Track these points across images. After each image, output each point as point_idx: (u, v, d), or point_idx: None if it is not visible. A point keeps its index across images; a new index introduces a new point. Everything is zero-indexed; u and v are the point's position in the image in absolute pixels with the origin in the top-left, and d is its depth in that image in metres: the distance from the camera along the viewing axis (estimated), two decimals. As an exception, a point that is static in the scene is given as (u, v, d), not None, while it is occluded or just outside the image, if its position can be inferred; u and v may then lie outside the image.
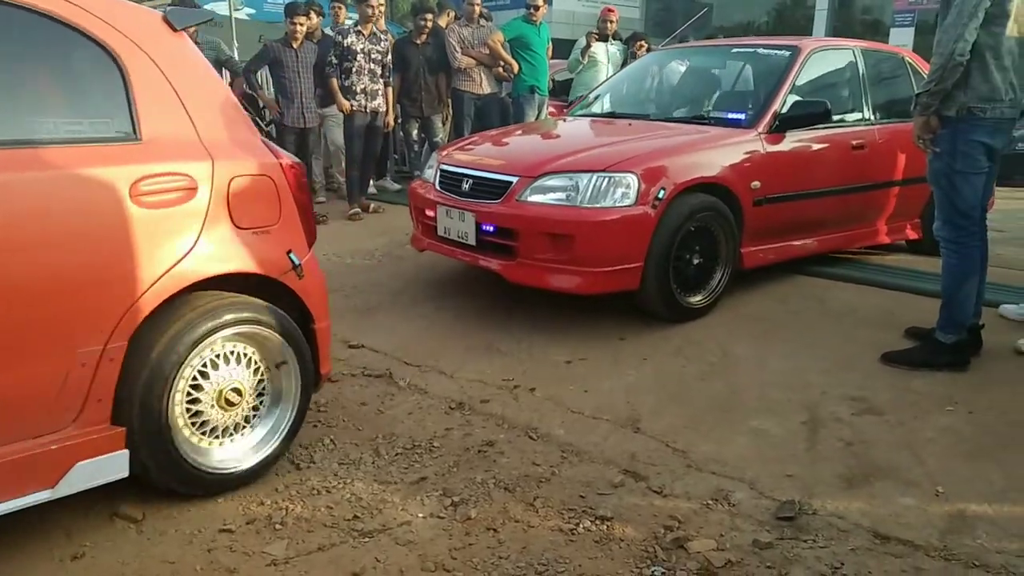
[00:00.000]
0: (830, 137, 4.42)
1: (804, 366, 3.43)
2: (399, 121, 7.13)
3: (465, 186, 4.04)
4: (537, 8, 7.03)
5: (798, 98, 4.30)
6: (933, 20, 16.85)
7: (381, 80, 6.34)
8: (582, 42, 7.57)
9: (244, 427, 2.59)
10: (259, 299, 2.53)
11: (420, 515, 2.43)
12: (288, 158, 2.66)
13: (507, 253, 3.82)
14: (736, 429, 2.93)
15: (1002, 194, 5.34)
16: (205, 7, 6.53)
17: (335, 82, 6.15)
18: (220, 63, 6.03)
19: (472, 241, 3.94)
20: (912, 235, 5.05)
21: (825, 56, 4.69)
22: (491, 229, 3.86)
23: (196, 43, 5.70)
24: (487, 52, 6.92)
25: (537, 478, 2.63)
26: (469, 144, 4.70)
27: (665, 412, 3.07)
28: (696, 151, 4.00)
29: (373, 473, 2.69)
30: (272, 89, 6.57)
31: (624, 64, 7.14)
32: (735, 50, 5.26)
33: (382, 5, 7.10)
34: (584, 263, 3.64)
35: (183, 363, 2.33)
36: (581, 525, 2.36)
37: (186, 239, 2.30)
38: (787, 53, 4.54)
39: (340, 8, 7.14)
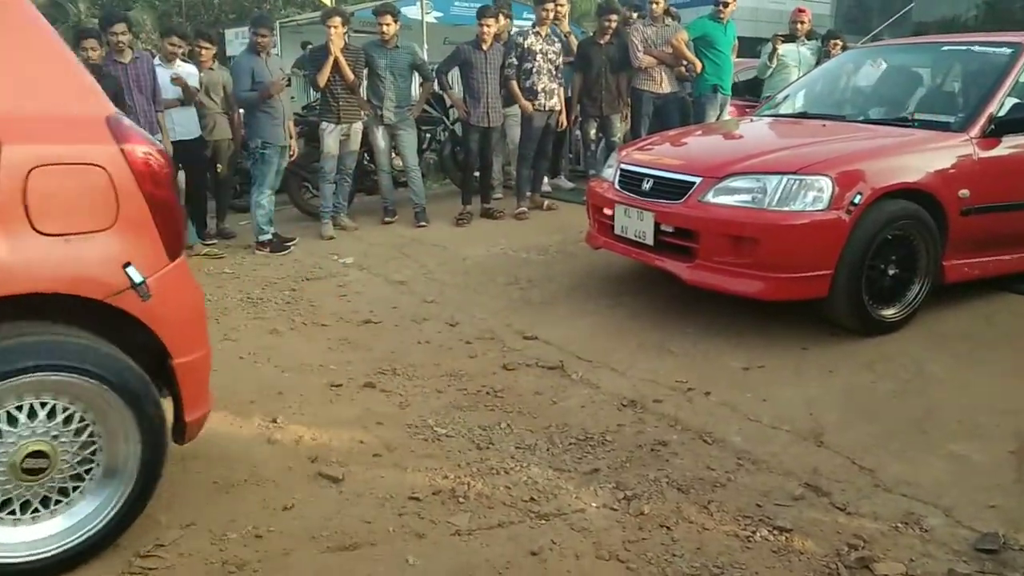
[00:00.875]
0: None
1: (1014, 391, 3.14)
2: (578, 120, 7.23)
3: (645, 185, 4.04)
4: (726, 5, 6.86)
5: (1018, 100, 3.95)
6: None
7: (557, 80, 6.47)
8: (768, 46, 7.31)
9: (57, 503, 2.05)
10: (80, 330, 1.99)
11: (594, 505, 2.49)
12: (143, 143, 2.08)
13: (686, 254, 3.78)
14: (932, 452, 2.74)
15: None
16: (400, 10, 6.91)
17: (515, 84, 6.35)
18: (414, 67, 6.40)
19: (650, 241, 3.93)
20: None
21: None
22: (670, 229, 3.84)
23: (396, 48, 6.20)
24: (670, 51, 6.85)
25: (712, 482, 2.61)
26: (650, 144, 4.69)
27: (852, 427, 2.93)
28: (897, 155, 3.77)
29: (548, 460, 2.78)
30: (460, 89, 6.87)
31: (818, 64, 6.81)
32: (945, 48, 4.89)
33: (563, 6, 7.21)
34: (769, 268, 3.53)
35: None
36: (758, 533, 2.32)
37: None
38: (1008, 51, 4.14)
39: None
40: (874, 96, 4.91)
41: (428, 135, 8.00)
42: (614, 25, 6.71)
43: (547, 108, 6.48)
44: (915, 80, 4.88)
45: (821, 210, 3.47)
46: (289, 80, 6.26)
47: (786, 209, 3.50)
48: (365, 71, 6.23)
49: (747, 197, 3.62)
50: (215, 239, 6.05)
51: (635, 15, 7.22)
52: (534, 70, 6.37)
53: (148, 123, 5.29)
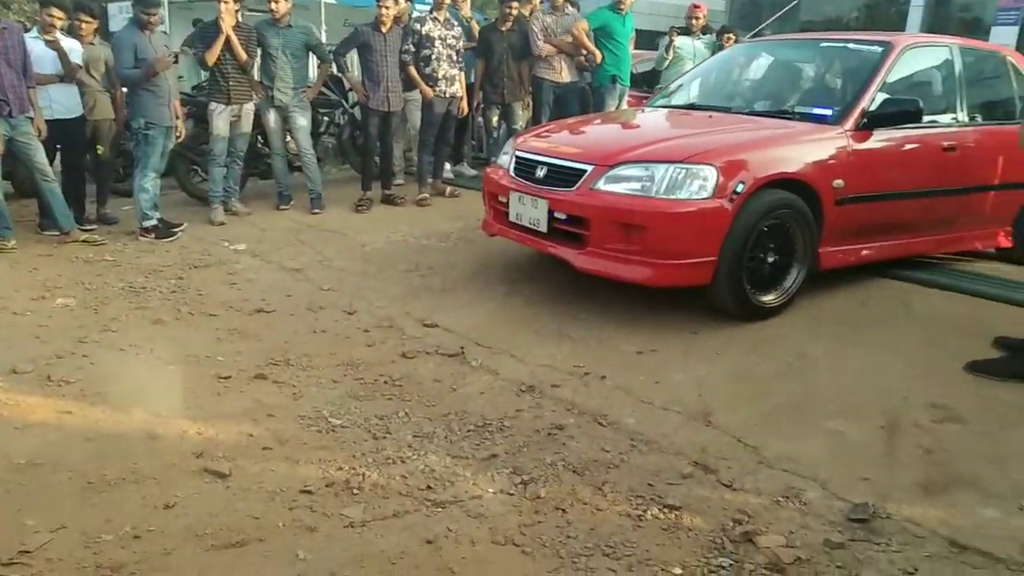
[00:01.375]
0: (920, 138, 4.24)
1: (885, 370, 3.35)
2: (480, 107, 7.20)
3: (539, 173, 4.04)
4: (627, -4, 6.99)
5: (888, 96, 4.14)
6: (1040, 19, 16.00)
7: (457, 65, 6.42)
8: (666, 38, 7.49)
9: None
10: None
11: (491, 490, 2.49)
12: None
13: (578, 241, 3.81)
14: (811, 429, 2.89)
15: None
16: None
17: (413, 69, 6.26)
18: (310, 47, 6.20)
19: (543, 228, 3.94)
20: (1003, 243, 4.81)
21: (919, 53, 4.49)
22: (563, 217, 3.86)
23: (289, 27, 5.99)
24: (570, 40, 6.92)
25: (606, 463, 2.66)
26: (545, 131, 4.71)
27: (738, 408, 3.05)
28: (778, 146, 3.90)
29: (446, 447, 2.76)
30: (359, 72, 6.71)
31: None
32: (824, 44, 5.04)
33: None
34: (656, 255, 3.60)
35: None
36: (649, 512, 2.39)
37: None
38: (879, 49, 4.37)
39: None
40: (759, 89, 5.04)
41: (326, 118, 7.79)
42: (515, 12, 6.71)
43: (448, 94, 6.42)
44: (797, 74, 5.02)
45: (706, 198, 3.56)
46: (176, 58, 5.95)
47: (673, 197, 3.58)
48: (258, 51, 6.00)
49: (636, 185, 3.67)
50: (95, 225, 5.70)
51: (538, 2, 7.24)
52: (433, 56, 6.30)
53: (18, 99, 4.92)
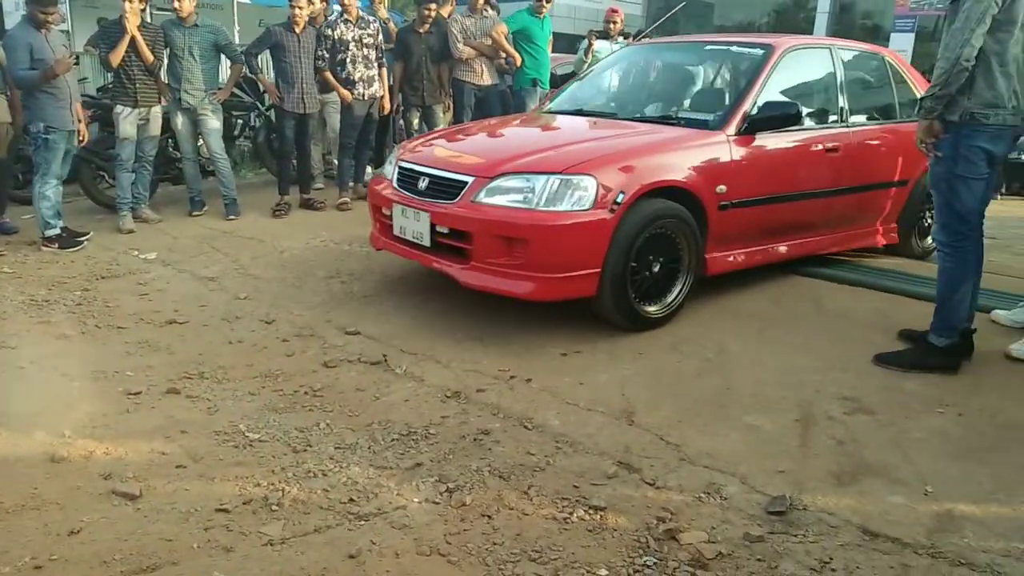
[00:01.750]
0: (802, 140, 4.32)
1: (798, 365, 3.47)
2: (400, 109, 7.13)
3: (422, 184, 3.89)
4: (549, 1, 7.03)
5: (769, 99, 4.19)
6: (933, 26, 16.93)
7: (376, 64, 6.33)
8: (585, 42, 7.58)
9: None
10: None
11: (416, 500, 2.46)
12: None
13: (461, 256, 3.69)
14: (730, 425, 2.96)
15: (995, 203, 5.36)
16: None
17: (329, 74, 6.15)
18: (219, 48, 6.00)
19: (427, 242, 3.80)
20: (881, 241, 4.97)
21: (800, 56, 4.54)
22: (446, 231, 3.72)
23: (196, 26, 5.78)
24: (489, 43, 6.92)
25: (532, 467, 2.66)
26: (429, 140, 4.52)
27: (660, 406, 3.10)
28: (659, 153, 3.86)
29: (369, 458, 2.71)
30: (272, 73, 6.55)
31: None
32: (709, 47, 5.06)
33: None
34: (539, 268, 3.52)
35: None
36: (575, 514, 2.40)
37: None
38: (760, 52, 4.42)
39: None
40: (645, 94, 5.03)
41: (240, 121, 7.57)
42: (433, 14, 6.67)
43: (367, 96, 6.33)
44: (683, 78, 5.02)
45: (586, 209, 3.49)
46: (77, 59, 5.68)
47: (553, 209, 3.50)
48: (165, 51, 5.78)
49: (518, 197, 3.58)
50: (-9, 235, 5.38)
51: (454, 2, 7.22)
52: (348, 60, 6.20)
53: None
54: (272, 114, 7.05)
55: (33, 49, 5.01)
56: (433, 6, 6.65)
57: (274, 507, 2.38)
